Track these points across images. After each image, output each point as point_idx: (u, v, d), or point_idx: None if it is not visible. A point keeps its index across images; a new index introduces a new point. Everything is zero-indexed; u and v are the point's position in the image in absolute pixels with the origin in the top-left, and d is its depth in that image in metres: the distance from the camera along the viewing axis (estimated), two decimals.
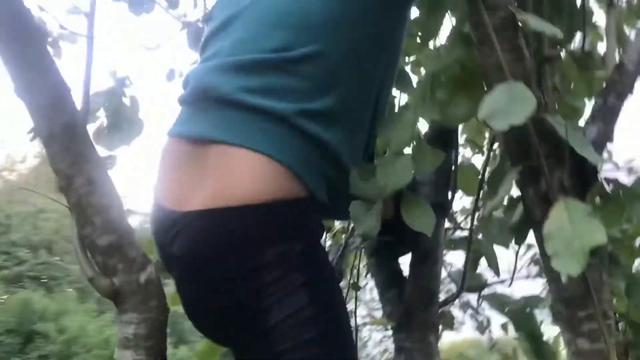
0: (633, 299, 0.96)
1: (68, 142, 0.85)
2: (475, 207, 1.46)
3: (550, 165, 0.84)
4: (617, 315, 0.89)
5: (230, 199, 0.91)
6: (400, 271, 1.47)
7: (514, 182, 0.87)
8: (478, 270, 1.64)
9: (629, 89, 0.89)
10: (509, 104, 0.76)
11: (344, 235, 1.87)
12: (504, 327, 2.05)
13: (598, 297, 0.81)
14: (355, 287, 1.63)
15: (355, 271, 1.70)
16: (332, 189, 1.01)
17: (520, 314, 1.43)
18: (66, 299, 15.57)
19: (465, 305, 1.71)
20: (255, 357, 0.94)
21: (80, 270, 0.90)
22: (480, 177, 1.39)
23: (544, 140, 0.85)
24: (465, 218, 1.79)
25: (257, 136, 0.92)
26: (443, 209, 1.44)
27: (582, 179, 0.85)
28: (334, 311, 0.97)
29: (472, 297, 1.80)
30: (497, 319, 2.12)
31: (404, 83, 1.68)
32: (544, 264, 0.88)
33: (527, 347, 1.41)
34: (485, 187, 1.41)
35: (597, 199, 0.96)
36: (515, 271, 1.54)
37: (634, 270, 1.08)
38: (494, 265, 1.35)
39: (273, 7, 0.98)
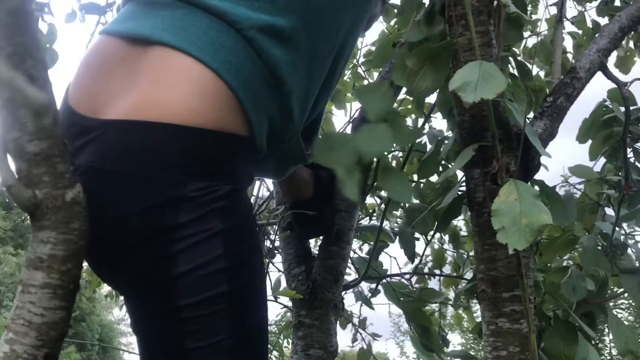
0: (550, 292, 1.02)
1: (13, 31, 0.76)
2: (389, 201, 1.49)
3: (501, 150, 0.87)
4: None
5: (159, 112, 0.79)
6: (309, 249, 1.47)
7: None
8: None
9: (577, 93, 0.95)
10: (480, 79, 0.78)
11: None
12: (361, 323, 2.10)
13: (525, 281, 0.85)
14: (271, 254, 1.61)
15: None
16: (272, 138, 0.91)
17: (414, 306, 1.48)
18: None
19: (359, 295, 1.74)
20: (150, 308, 0.85)
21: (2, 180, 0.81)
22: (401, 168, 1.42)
23: (499, 127, 0.88)
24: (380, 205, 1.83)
25: (207, 44, 0.80)
26: (361, 194, 1.46)
27: (527, 167, 0.89)
28: (250, 269, 0.88)
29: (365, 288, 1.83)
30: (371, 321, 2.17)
31: None
32: (475, 244, 0.91)
33: (417, 338, 1.46)
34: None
35: None
36: (418, 267, 1.58)
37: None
38: (409, 252, 1.38)
39: None
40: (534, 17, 2.01)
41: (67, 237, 0.81)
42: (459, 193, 0.98)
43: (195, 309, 0.80)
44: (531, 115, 1.04)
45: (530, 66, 1.39)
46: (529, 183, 0.90)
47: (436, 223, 1.17)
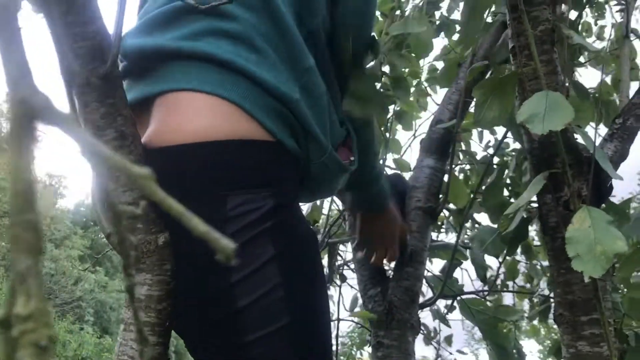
0: (630, 311, 1.01)
1: (104, 94, 0.84)
2: (465, 218, 1.50)
3: (572, 175, 0.88)
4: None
5: (177, 136, 0.80)
6: (384, 270, 1.50)
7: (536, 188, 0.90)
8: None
9: None
10: (547, 110, 0.79)
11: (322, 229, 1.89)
12: (447, 339, 2.11)
13: (603, 304, 0.85)
14: (342, 278, 1.65)
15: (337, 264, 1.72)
16: (301, 134, 0.87)
17: (490, 323, 1.48)
18: None
19: (435, 313, 1.75)
20: (216, 348, 0.84)
21: (100, 227, 0.88)
22: (473, 189, 1.43)
23: (567, 152, 0.89)
24: (448, 226, 1.84)
25: (199, 79, 0.82)
26: (432, 214, 1.48)
27: (599, 191, 0.90)
28: (312, 294, 0.85)
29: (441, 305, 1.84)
30: (445, 332, 2.18)
31: (402, 91, 1.72)
32: (551, 268, 0.92)
33: (494, 355, 1.46)
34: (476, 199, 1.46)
35: None
36: (495, 282, 1.58)
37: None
38: (481, 274, 1.39)
39: None
40: (600, 22, 1.97)
41: (161, 278, 0.88)
42: (525, 216, 0.99)
43: (261, 343, 0.80)
44: (601, 128, 1.04)
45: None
46: (602, 206, 0.91)
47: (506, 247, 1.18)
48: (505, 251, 1.24)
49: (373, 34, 1.07)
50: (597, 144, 0.91)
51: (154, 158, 0.82)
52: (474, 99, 0.96)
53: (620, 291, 1.09)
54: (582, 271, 0.75)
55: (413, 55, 1.88)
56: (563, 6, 1.00)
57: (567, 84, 0.89)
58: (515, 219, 1.04)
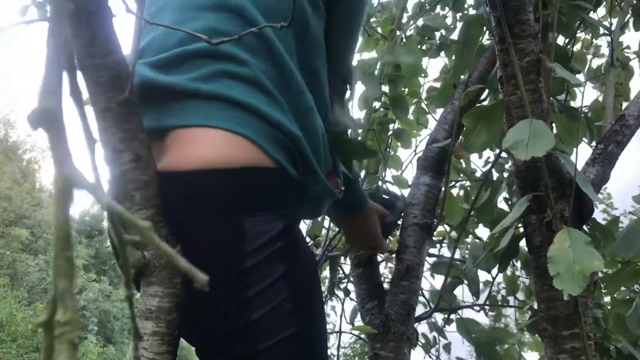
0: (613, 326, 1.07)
1: (122, 119, 0.90)
2: (460, 235, 1.56)
3: (555, 198, 0.94)
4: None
5: (195, 162, 0.87)
6: (381, 284, 1.56)
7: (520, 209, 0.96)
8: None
9: (627, 140, 1.01)
10: (531, 138, 0.86)
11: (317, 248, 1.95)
12: (446, 347, 2.16)
13: (583, 319, 0.91)
14: (346, 292, 1.71)
15: (337, 278, 1.78)
16: (301, 165, 0.96)
17: (486, 344, 1.53)
18: None
19: (432, 325, 1.81)
20: (229, 356, 0.90)
21: (116, 243, 0.94)
22: (470, 207, 1.49)
23: (551, 175, 0.95)
24: (443, 243, 1.90)
25: (212, 117, 0.89)
26: (428, 230, 1.54)
27: (580, 213, 0.96)
28: (313, 306, 0.93)
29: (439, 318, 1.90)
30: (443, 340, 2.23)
31: (401, 110, 1.79)
32: (536, 284, 0.98)
33: None
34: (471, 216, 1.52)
35: None
36: (489, 296, 1.63)
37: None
38: (474, 288, 1.45)
39: None
40: (596, 41, 2.04)
41: (171, 291, 0.94)
42: (516, 234, 1.05)
43: (272, 351, 0.87)
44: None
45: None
46: (584, 226, 0.97)
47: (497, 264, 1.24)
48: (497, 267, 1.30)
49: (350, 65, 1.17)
50: (579, 167, 0.97)
51: (172, 182, 0.89)
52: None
53: (602, 307, 1.15)
54: (562, 289, 0.81)
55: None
56: (550, 36, 1.07)
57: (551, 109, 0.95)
58: (506, 237, 1.11)
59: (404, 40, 1.81)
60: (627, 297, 1.22)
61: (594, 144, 1.44)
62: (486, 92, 1.53)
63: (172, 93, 0.93)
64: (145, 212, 0.93)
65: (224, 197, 0.88)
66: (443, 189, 1.56)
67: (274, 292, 0.87)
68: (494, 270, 1.48)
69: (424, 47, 2.20)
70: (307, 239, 2.07)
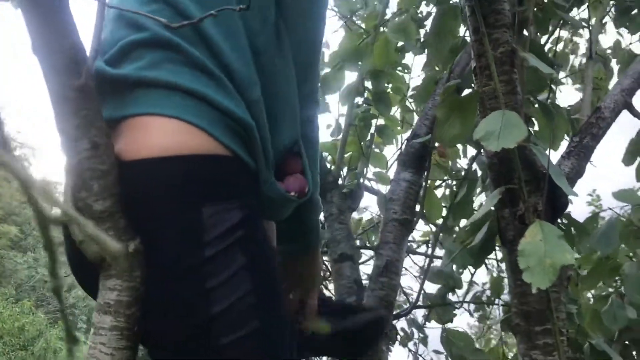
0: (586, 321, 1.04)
1: (79, 105, 0.87)
2: (438, 231, 1.53)
3: (528, 191, 0.91)
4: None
5: (145, 151, 0.85)
6: (360, 280, 1.53)
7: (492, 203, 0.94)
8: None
9: (603, 132, 0.98)
10: (502, 129, 0.83)
11: None
12: (423, 341, 2.13)
13: (556, 315, 0.89)
14: None
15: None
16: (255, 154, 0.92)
17: None
18: None
19: (412, 322, 1.78)
20: (190, 353, 0.85)
21: (72, 234, 0.91)
22: (449, 204, 1.47)
23: (525, 168, 0.92)
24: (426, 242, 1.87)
25: (162, 105, 0.87)
26: (409, 225, 1.51)
27: (554, 206, 0.93)
28: (276, 300, 0.90)
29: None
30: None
31: (383, 105, 1.76)
32: (509, 279, 0.95)
33: None
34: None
35: None
36: (467, 295, 1.61)
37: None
38: (450, 284, 1.42)
39: None
40: (575, 39, 2.02)
41: (130, 284, 0.91)
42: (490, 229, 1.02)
43: (234, 346, 0.83)
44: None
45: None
46: (558, 220, 0.94)
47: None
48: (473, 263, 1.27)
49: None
50: (554, 161, 0.95)
51: (125, 171, 0.86)
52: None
53: (577, 303, 1.12)
54: (531, 282, 0.79)
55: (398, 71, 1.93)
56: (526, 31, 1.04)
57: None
58: (480, 232, 1.08)
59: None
60: (604, 294, 1.19)
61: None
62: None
63: (122, 84, 0.91)
64: (103, 203, 0.90)
65: (180, 185, 0.85)
66: (423, 185, 1.54)
67: (236, 284, 0.84)
68: (473, 268, 1.45)
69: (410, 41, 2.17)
70: None
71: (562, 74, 1.99)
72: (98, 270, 0.90)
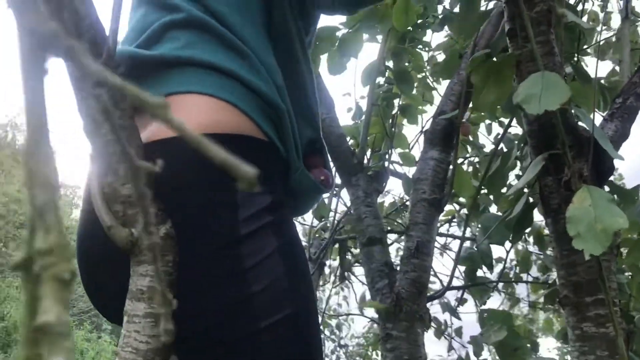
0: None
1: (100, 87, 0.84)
2: (471, 209, 1.49)
3: (572, 156, 0.87)
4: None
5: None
6: (391, 263, 1.50)
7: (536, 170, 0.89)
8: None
9: None
10: (544, 91, 0.79)
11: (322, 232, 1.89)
12: (457, 332, 2.10)
13: (608, 284, 0.84)
14: (342, 278, 1.65)
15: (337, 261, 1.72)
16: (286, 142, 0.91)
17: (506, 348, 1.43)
18: (8, 285, 15.13)
19: (445, 306, 1.74)
20: (228, 335, 0.82)
21: (101, 220, 0.89)
22: (480, 180, 1.42)
23: (567, 132, 0.88)
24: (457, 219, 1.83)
25: (200, 84, 0.86)
26: (438, 205, 1.47)
27: (599, 171, 0.89)
28: (307, 287, 0.87)
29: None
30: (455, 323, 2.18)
31: (406, 84, 1.72)
32: (554, 250, 0.91)
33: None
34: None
35: None
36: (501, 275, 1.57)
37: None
38: (487, 262, 1.38)
39: None
40: (602, 13, 1.96)
41: (163, 269, 0.88)
42: (531, 201, 0.98)
43: (271, 331, 0.80)
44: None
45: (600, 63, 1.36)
46: (604, 186, 0.90)
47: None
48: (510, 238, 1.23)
49: None
50: (597, 124, 0.90)
51: (159, 149, 0.84)
52: None
53: (626, 273, 1.08)
54: (583, 249, 0.75)
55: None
56: None
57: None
58: (519, 204, 1.04)
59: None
60: None
61: None
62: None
63: (158, 64, 0.89)
64: (129, 187, 0.87)
65: (214, 161, 0.82)
66: (452, 163, 1.50)
67: (271, 266, 0.81)
68: (507, 245, 1.41)
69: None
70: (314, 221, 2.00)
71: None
72: (120, 269, 0.87)
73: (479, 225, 1.87)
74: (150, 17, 0.94)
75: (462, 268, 1.70)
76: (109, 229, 0.89)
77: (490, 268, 1.42)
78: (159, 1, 0.93)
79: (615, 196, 1.06)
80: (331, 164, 1.53)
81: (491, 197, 1.47)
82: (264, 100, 0.88)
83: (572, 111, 0.88)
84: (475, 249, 1.44)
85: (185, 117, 0.83)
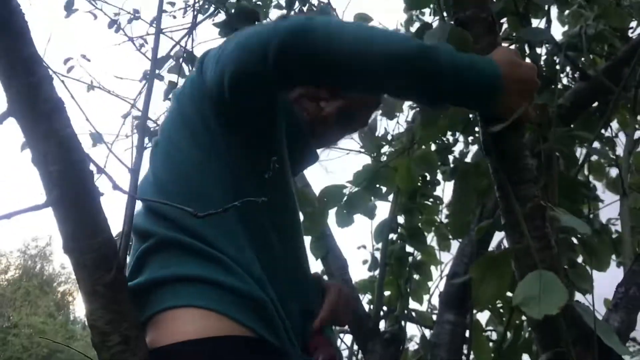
0: None
1: (109, 301, 0.87)
2: None
3: (578, 352, 0.86)
4: None
5: (176, 336, 0.90)
6: None
7: None
8: None
9: None
10: (542, 293, 0.80)
11: None
12: None
13: None
14: None
15: None
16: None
17: None
18: None
19: None
20: None
21: None
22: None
23: (572, 326, 0.88)
24: None
25: (173, 299, 0.94)
26: None
27: None
28: None
29: None
30: None
31: (417, 241, 1.74)
32: None
33: None
34: None
35: None
36: None
37: None
38: None
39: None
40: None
41: None
42: None
43: None
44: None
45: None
46: None
47: None
48: None
49: None
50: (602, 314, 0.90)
51: (157, 357, 0.90)
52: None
53: None
54: None
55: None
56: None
57: None
58: None
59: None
60: None
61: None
62: None
63: (140, 292, 0.98)
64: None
65: None
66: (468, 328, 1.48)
67: None
68: None
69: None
70: None
71: (599, 188, 1.95)
72: None
73: None
74: (135, 247, 1.04)
75: None
76: None
77: None
78: (137, 230, 1.03)
79: None
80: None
81: None
82: (245, 297, 0.94)
83: (574, 306, 0.88)
84: None
85: (178, 326, 0.91)
